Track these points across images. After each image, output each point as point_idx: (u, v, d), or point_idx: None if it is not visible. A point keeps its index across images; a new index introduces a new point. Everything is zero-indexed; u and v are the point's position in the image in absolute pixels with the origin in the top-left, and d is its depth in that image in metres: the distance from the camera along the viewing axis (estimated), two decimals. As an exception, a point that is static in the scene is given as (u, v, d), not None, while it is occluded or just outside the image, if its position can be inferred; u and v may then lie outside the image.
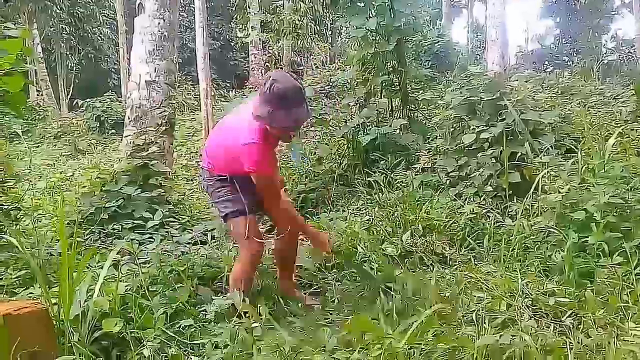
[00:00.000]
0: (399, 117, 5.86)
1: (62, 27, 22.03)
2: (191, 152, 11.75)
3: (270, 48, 19.11)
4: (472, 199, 4.12)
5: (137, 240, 4.08)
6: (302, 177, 5.88)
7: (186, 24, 23.53)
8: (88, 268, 3.03)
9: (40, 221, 4.75)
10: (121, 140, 5.89)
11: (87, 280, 2.55)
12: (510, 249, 3.16)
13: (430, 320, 2.22)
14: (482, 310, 2.41)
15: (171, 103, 5.61)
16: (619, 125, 4.65)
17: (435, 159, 4.99)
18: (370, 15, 5.97)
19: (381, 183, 4.80)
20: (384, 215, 4.13)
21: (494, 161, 4.21)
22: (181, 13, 20.91)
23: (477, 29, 30.17)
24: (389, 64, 6.12)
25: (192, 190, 7.66)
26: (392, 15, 5.88)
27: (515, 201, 3.83)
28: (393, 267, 3.15)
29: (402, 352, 1.99)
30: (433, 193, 4.43)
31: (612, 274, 2.56)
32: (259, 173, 2.67)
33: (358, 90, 6.44)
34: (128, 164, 4.83)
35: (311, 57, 19.32)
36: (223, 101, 16.95)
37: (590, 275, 2.67)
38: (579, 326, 2.21)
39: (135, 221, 4.40)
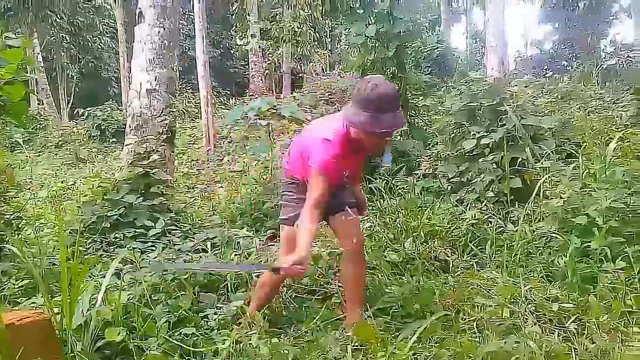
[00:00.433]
0: (400, 124, 5.86)
1: (62, 36, 22.10)
2: (192, 160, 11.76)
3: (270, 55, 19.19)
4: (473, 205, 4.12)
5: (139, 248, 4.08)
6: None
7: (186, 32, 23.62)
8: (90, 277, 3.03)
9: (42, 230, 4.75)
10: (122, 148, 5.89)
11: (90, 290, 2.55)
12: (513, 254, 3.16)
13: (433, 327, 2.22)
14: (486, 316, 2.41)
15: (172, 111, 5.62)
16: (619, 129, 4.65)
17: (436, 165, 4.99)
18: (370, 22, 6.00)
19: (382, 189, 4.80)
20: (385, 221, 4.13)
21: (495, 167, 4.22)
22: (181, 21, 21.00)
23: (476, 35, 30.25)
24: (388, 70, 6.14)
25: (193, 199, 7.67)
26: (392, 22, 5.91)
27: (516, 206, 3.83)
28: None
29: (406, 358, 1.99)
30: (434, 199, 4.44)
31: (615, 279, 2.55)
32: (319, 173, 2.52)
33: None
34: (129, 172, 4.83)
35: (311, 64, 19.38)
36: (223, 109, 16.98)
37: (594, 281, 2.67)
38: (583, 332, 2.21)
39: (136, 230, 4.39)
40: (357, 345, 2.32)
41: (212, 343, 2.49)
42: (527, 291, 2.58)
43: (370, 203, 4.82)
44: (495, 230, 3.58)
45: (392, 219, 4.20)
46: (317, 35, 19.42)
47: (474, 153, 4.46)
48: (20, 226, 4.13)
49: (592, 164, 3.64)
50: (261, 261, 3.64)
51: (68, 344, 2.23)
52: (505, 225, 3.67)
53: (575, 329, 2.14)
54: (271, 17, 18.31)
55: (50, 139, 16.36)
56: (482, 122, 4.52)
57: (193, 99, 18.13)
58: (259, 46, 17.64)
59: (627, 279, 2.51)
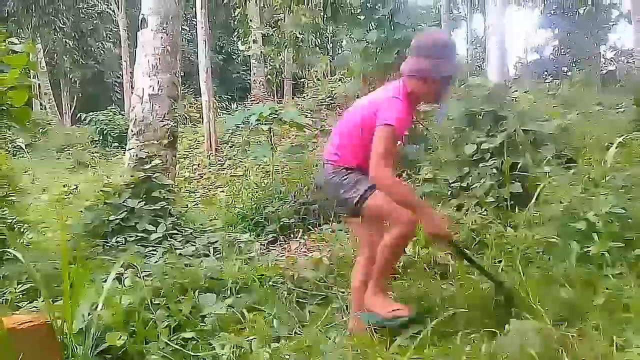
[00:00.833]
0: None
1: (65, 41, 22.21)
2: (194, 165, 11.79)
3: (271, 61, 19.23)
4: (473, 210, 4.12)
5: (141, 252, 4.09)
6: (304, 189, 5.90)
7: (188, 38, 23.73)
8: (92, 281, 3.04)
9: (44, 234, 4.77)
10: (124, 153, 5.92)
11: (91, 294, 2.56)
12: (513, 259, 3.16)
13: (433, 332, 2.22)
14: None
15: (174, 116, 5.65)
16: (619, 134, 4.66)
17: (437, 169, 5.00)
18: (371, 27, 6.04)
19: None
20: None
21: (495, 172, 4.23)
22: (183, 27, 21.09)
23: (476, 41, 30.32)
24: (389, 75, 6.16)
25: (194, 203, 7.68)
26: (392, 28, 5.94)
27: (516, 212, 3.83)
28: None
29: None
30: (435, 204, 4.44)
31: (614, 284, 2.55)
32: (389, 128, 2.43)
33: (359, 102, 6.47)
34: (131, 177, 4.85)
35: (312, 69, 19.43)
36: (225, 114, 17.03)
37: (593, 285, 2.67)
38: (581, 336, 2.21)
39: (138, 234, 4.41)
40: (356, 350, 2.32)
41: (211, 348, 2.50)
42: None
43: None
44: (495, 235, 3.59)
45: (392, 223, 4.21)
46: (319, 40, 19.47)
47: (474, 158, 4.47)
48: (22, 230, 4.15)
49: (592, 169, 3.65)
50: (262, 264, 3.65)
51: (69, 348, 2.24)
52: (505, 230, 3.67)
53: (573, 335, 2.13)
54: (273, 23, 18.37)
55: (53, 143, 16.40)
56: (483, 127, 4.53)
57: (195, 103, 18.19)
58: (261, 52, 17.69)
59: (626, 284, 2.51)
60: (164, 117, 5.46)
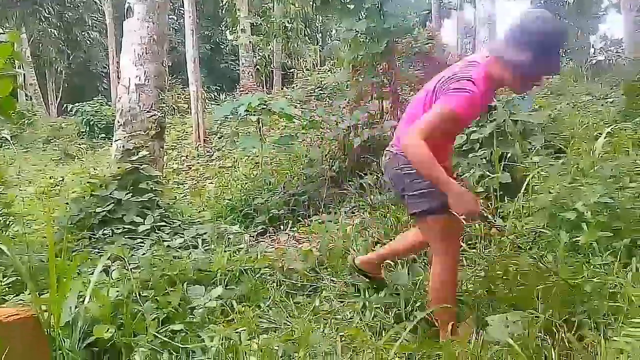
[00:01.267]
0: (390, 119, 5.87)
1: (51, 31, 21.89)
2: (182, 156, 11.71)
3: (260, 51, 19.12)
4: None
5: (128, 245, 4.06)
6: (293, 180, 5.88)
7: (176, 27, 23.46)
8: (79, 274, 3.01)
9: (30, 227, 4.71)
10: (111, 144, 5.85)
11: (78, 287, 2.53)
12: (502, 249, 3.18)
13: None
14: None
15: (161, 107, 5.59)
16: (608, 125, 4.68)
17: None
18: (361, 17, 5.99)
19: (373, 185, 4.80)
20: (376, 217, 4.14)
21: (485, 162, 4.23)
22: (170, 16, 20.88)
23: (467, 31, 30.31)
24: (379, 65, 6.14)
25: (183, 195, 7.64)
26: (382, 17, 5.90)
27: (506, 202, 3.85)
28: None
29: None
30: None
31: (602, 273, 2.57)
32: (448, 104, 2.14)
33: (349, 92, 6.45)
34: (118, 168, 4.80)
35: (301, 59, 19.34)
36: (213, 104, 16.91)
37: (581, 274, 2.68)
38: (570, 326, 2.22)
39: (125, 226, 4.37)
40: (346, 342, 2.32)
41: (200, 340, 2.48)
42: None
43: (360, 199, 4.83)
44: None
45: (382, 214, 4.21)
46: (308, 30, 19.38)
47: (463, 148, 4.48)
48: (8, 223, 4.10)
49: (581, 159, 3.66)
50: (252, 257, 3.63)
51: (56, 341, 2.21)
52: (495, 221, 3.68)
53: (560, 325, 2.14)
54: (261, 12, 18.23)
55: (39, 134, 16.21)
56: (472, 117, 4.53)
57: (183, 94, 18.05)
58: (249, 41, 17.56)
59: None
60: (151, 107, 5.40)
